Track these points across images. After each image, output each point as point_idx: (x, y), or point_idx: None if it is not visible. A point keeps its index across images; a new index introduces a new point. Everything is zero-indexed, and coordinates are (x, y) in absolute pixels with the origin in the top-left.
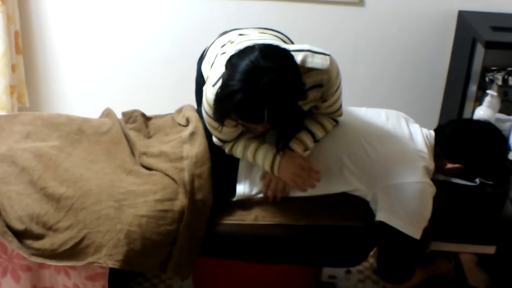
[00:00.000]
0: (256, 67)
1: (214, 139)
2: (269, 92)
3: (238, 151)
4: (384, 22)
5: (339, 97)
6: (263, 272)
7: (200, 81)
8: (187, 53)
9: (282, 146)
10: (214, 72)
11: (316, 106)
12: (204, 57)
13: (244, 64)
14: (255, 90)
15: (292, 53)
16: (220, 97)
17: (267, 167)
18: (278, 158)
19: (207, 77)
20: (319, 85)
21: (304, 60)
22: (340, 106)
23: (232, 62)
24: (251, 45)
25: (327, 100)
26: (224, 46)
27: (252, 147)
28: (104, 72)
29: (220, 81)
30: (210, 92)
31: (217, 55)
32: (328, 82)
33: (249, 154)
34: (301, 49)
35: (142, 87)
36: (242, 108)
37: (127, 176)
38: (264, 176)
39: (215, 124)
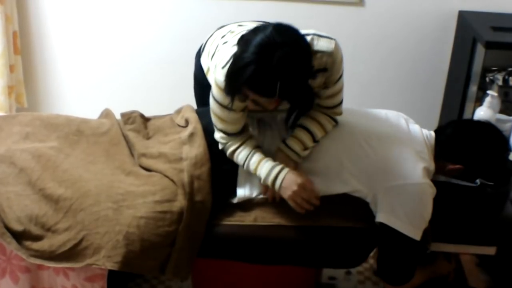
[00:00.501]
0: (271, 41)
1: (217, 136)
2: (283, 65)
3: (240, 158)
4: (384, 22)
5: (341, 89)
6: (262, 273)
7: (198, 76)
8: (186, 53)
9: (292, 124)
10: (223, 56)
11: (318, 95)
12: (202, 51)
13: (259, 38)
14: (269, 62)
15: None
16: (232, 70)
17: (269, 182)
18: (282, 174)
19: (208, 69)
20: (324, 69)
21: (310, 43)
22: (341, 103)
23: (245, 38)
24: (261, 25)
25: (329, 87)
26: (225, 37)
27: (256, 158)
28: (103, 73)
29: (231, 61)
30: (219, 74)
31: (218, 45)
32: (333, 66)
33: (252, 165)
34: (307, 33)
35: (141, 88)
36: (255, 80)
37: (126, 177)
38: None
39: (221, 113)
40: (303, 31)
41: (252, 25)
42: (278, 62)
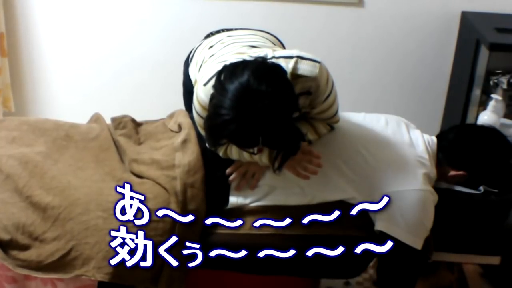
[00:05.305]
0: (249, 91)
1: (207, 144)
2: (263, 119)
3: (233, 153)
4: (384, 23)
5: (331, 105)
6: (258, 284)
7: (187, 84)
8: (179, 56)
9: (278, 166)
10: (205, 72)
11: (307, 112)
12: (191, 59)
13: (234, 88)
14: (248, 118)
15: (282, 60)
16: (211, 125)
17: (265, 160)
18: None
19: (195, 80)
20: (307, 92)
21: (293, 67)
22: (335, 113)
23: (222, 84)
24: (240, 62)
25: (315, 107)
26: (213, 48)
27: None
28: (93, 76)
29: (212, 81)
30: (201, 92)
31: (204, 57)
32: (317, 90)
33: (245, 152)
34: (290, 55)
35: (132, 91)
36: (236, 137)
37: (117, 184)
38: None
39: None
40: (285, 53)
41: (242, 35)
42: (258, 116)
